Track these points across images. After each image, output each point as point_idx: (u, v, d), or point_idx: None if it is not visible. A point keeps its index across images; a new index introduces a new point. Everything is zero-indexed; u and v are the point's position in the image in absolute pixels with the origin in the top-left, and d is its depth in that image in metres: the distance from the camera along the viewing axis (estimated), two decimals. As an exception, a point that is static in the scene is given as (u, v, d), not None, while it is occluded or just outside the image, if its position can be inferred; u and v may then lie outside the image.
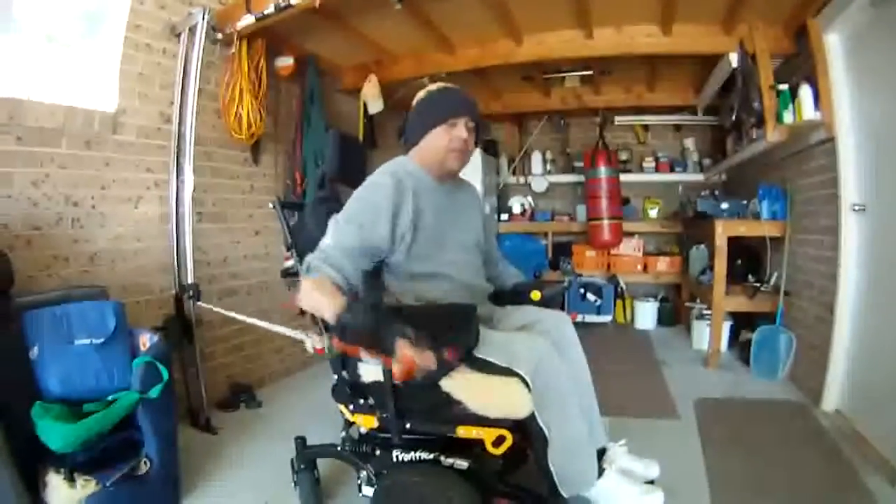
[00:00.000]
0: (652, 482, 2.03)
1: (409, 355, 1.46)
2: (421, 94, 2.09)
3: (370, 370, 1.87)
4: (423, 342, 1.48)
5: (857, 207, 3.01)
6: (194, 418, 3.20)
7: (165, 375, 2.26)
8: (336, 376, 1.97)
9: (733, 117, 4.09)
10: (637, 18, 3.85)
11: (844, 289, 3.09)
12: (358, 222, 1.85)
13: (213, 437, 3.06)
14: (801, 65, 3.52)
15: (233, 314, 2.52)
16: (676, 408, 3.37)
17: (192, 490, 2.48)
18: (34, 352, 2.13)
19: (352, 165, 2.21)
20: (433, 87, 2.10)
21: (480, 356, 1.73)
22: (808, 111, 3.26)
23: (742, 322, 4.47)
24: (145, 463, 2.21)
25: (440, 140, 1.98)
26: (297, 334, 1.97)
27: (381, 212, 1.86)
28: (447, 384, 1.73)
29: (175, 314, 3.19)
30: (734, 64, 3.84)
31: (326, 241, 1.84)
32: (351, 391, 1.93)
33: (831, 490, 2.36)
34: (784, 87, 3.48)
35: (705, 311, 4.59)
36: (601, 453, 2.01)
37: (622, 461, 2.03)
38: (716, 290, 4.11)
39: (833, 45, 3.18)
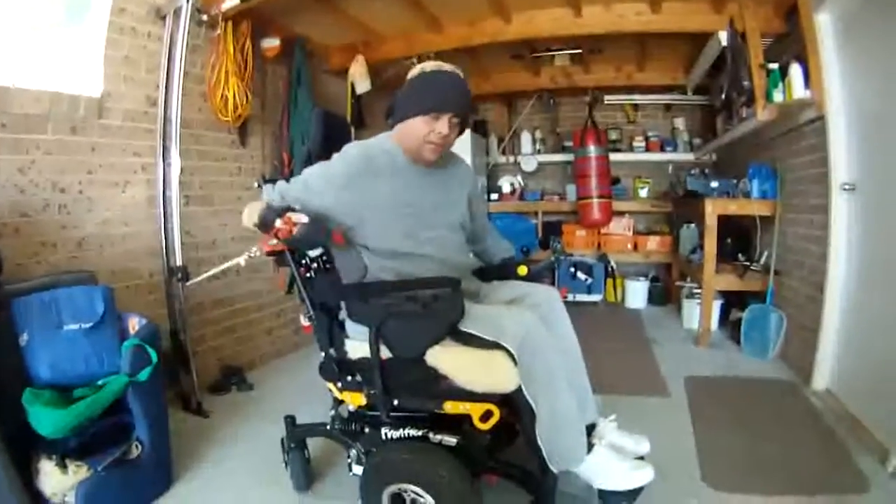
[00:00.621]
0: (642, 458, 2.02)
1: (289, 216, 1.74)
2: (414, 71, 2.04)
3: (357, 347, 1.87)
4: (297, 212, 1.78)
5: (846, 187, 3.02)
6: (185, 402, 3.20)
7: (155, 358, 2.25)
8: (323, 354, 1.96)
9: (723, 96, 4.08)
10: (627, -4, 3.83)
11: (834, 268, 3.11)
12: (306, 181, 1.97)
13: (205, 421, 3.06)
14: (791, 44, 3.50)
15: (210, 272, 2.51)
16: (667, 386, 3.39)
17: (184, 473, 2.49)
18: (24, 338, 2.12)
19: (336, 143, 2.18)
20: (428, 66, 2.02)
21: (466, 330, 1.73)
22: (799, 90, 3.26)
23: (732, 301, 4.49)
24: (136, 446, 2.21)
25: (420, 129, 1.94)
26: (235, 260, 2.14)
27: (331, 181, 1.92)
28: (433, 359, 1.73)
29: (170, 336, 3.21)
30: (724, 42, 3.82)
31: (282, 182, 2.04)
32: (338, 368, 1.93)
33: (822, 468, 2.37)
34: (774, 66, 3.48)
35: (695, 290, 4.62)
36: (591, 429, 2.00)
37: (612, 437, 2.02)
38: (706, 268, 4.12)
39: (824, 24, 3.16)
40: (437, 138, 1.94)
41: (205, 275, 2.56)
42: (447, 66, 2.01)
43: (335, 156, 1.97)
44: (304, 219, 1.75)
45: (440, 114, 1.92)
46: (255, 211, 1.86)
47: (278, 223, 1.75)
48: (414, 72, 2.03)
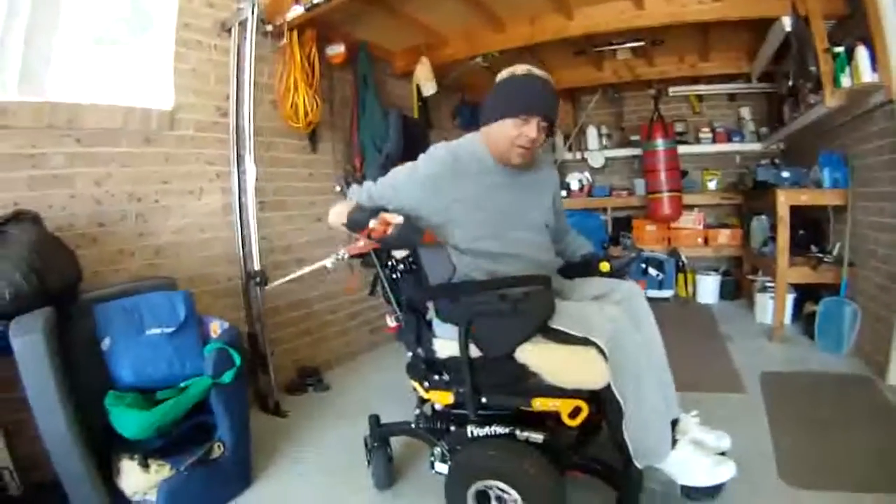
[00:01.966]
0: (723, 454, 2.00)
1: (384, 216, 1.78)
2: (504, 74, 2.04)
3: (445, 346, 1.89)
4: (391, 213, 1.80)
5: (918, 172, 2.91)
6: (263, 402, 3.27)
7: (238, 360, 2.31)
8: (410, 353, 1.99)
9: (789, 83, 3.98)
10: (687, -15, 3.77)
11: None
12: (393, 182, 1.99)
13: (283, 421, 3.12)
14: (855, 26, 3.38)
15: (290, 276, 2.55)
16: (742, 382, 3.33)
17: (263, 472, 2.55)
18: (106, 343, 2.18)
19: (414, 145, 2.21)
20: (518, 70, 2.02)
21: (556, 327, 1.73)
22: (866, 73, 3.15)
23: (806, 294, 4.35)
24: (219, 447, 2.26)
25: (508, 132, 1.94)
26: (319, 263, 2.14)
27: (419, 181, 1.93)
28: (523, 356, 1.74)
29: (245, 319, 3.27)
30: (787, 28, 3.71)
31: (369, 182, 2.09)
32: (426, 367, 1.95)
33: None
34: (840, 49, 3.36)
35: (768, 284, 4.51)
36: (673, 424, 1.99)
37: (695, 432, 2.00)
38: (779, 261, 4.01)
39: (887, 3, 3.03)
40: (525, 142, 1.94)
41: (287, 277, 2.60)
42: (537, 71, 2.01)
43: (421, 157, 1.98)
44: (399, 219, 1.77)
45: (530, 117, 1.92)
46: (344, 211, 1.90)
47: (373, 223, 1.78)
48: (503, 75, 2.03)
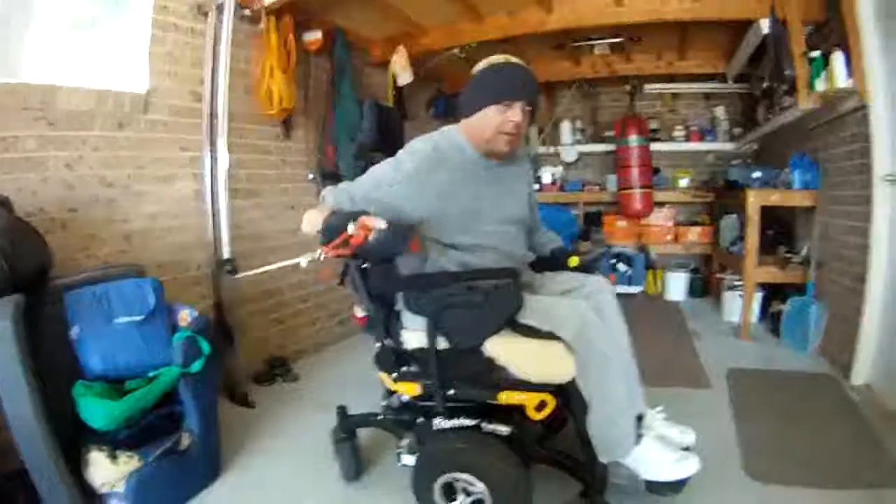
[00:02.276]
0: (688, 449, 2.03)
1: (364, 220, 1.64)
2: (482, 64, 2.03)
3: (413, 337, 1.89)
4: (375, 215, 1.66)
5: (889, 178, 2.97)
6: (232, 393, 3.24)
7: (207, 349, 2.29)
8: (379, 344, 1.98)
9: (764, 85, 4.04)
10: (668, -16, 3.80)
11: (876, 260, 3.06)
12: (376, 178, 1.95)
13: (251, 411, 3.11)
14: (833, 31, 3.44)
15: (263, 269, 2.52)
16: (708, 378, 3.38)
17: (232, 463, 2.53)
18: (75, 331, 2.14)
19: (389, 135, 2.21)
20: (496, 58, 2.02)
21: (523, 321, 1.74)
22: (841, 78, 3.20)
23: (773, 293, 4.43)
24: (187, 437, 2.25)
25: (492, 120, 1.93)
26: (293, 260, 1.99)
27: (403, 177, 1.90)
28: (490, 349, 1.75)
29: (214, 315, 3.24)
30: (765, 30, 3.77)
31: (347, 182, 2.02)
32: (394, 358, 1.95)
33: (859, 462, 2.36)
34: (816, 53, 3.42)
35: (736, 282, 4.57)
36: (639, 420, 2.00)
37: (659, 428, 2.02)
38: (747, 260, 4.08)
39: (865, 10, 3.08)
40: (511, 127, 1.93)
41: (258, 270, 2.57)
42: (514, 59, 2.01)
43: (403, 152, 1.96)
44: (382, 224, 1.65)
45: (513, 102, 1.92)
46: (318, 217, 1.82)
47: (351, 229, 1.66)
48: (481, 65, 2.03)
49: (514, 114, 1.92)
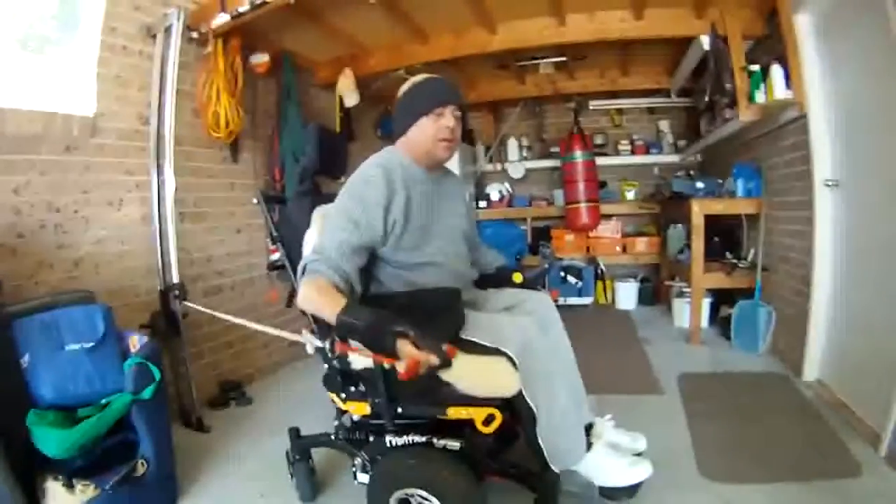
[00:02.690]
0: (640, 454, 2.08)
1: (413, 354, 1.46)
2: (405, 85, 2.08)
3: (360, 358, 1.89)
4: (423, 340, 1.48)
5: (829, 183, 3.09)
6: (186, 418, 3.21)
7: (157, 375, 2.27)
8: (326, 366, 1.99)
9: (706, 98, 4.15)
10: (609, 4, 3.90)
11: (820, 262, 3.18)
12: (353, 220, 1.85)
13: (206, 436, 3.08)
14: (772, 46, 3.58)
15: (226, 317, 2.52)
16: (660, 384, 3.45)
17: (188, 489, 2.50)
18: (25, 359, 2.12)
19: (332, 158, 2.22)
20: (418, 78, 2.08)
21: (467, 337, 1.77)
22: (780, 90, 3.33)
23: (722, 298, 4.55)
24: (142, 464, 2.22)
25: (427, 130, 1.98)
26: (295, 336, 1.95)
27: (375, 208, 1.87)
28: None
29: (161, 311, 3.20)
30: (706, 46, 3.90)
31: (322, 242, 1.84)
32: (342, 379, 1.96)
33: (816, 455, 2.43)
34: (755, 67, 3.56)
35: (685, 290, 4.68)
36: (588, 428, 2.06)
37: (610, 435, 2.08)
38: (694, 268, 4.19)
39: (803, 25, 3.23)
40: (446, 133, 1.98)
41: (226, 316, 2.55)
42: (434, 75, 2.09)
43: (359, 184, 1.92)
44: (435, 359, 1.47)
45: (443, 108, 1.97)
46: (320, 300, 1.68)
47: (399, 364, 1.49)
48: (405, 86, 2.09)
49: (448, 119, 1.98)
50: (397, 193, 1.92)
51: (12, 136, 2.59)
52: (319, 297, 1.68)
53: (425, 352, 1.46)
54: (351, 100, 4.60)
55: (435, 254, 2.02)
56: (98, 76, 2.98)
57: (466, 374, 1.71)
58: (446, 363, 1.49)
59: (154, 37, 3.23)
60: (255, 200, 2.17)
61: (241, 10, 3.18)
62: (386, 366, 1.64)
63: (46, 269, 2.71)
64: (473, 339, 1.76)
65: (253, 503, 2.40)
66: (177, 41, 3.17)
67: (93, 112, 2.95)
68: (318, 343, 1.83)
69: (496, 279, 2.34)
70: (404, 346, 1.48)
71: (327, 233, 1.86)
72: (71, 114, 2.86)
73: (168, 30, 3.19)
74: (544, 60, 5.10)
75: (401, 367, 1.48)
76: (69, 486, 2.03)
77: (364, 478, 2.00)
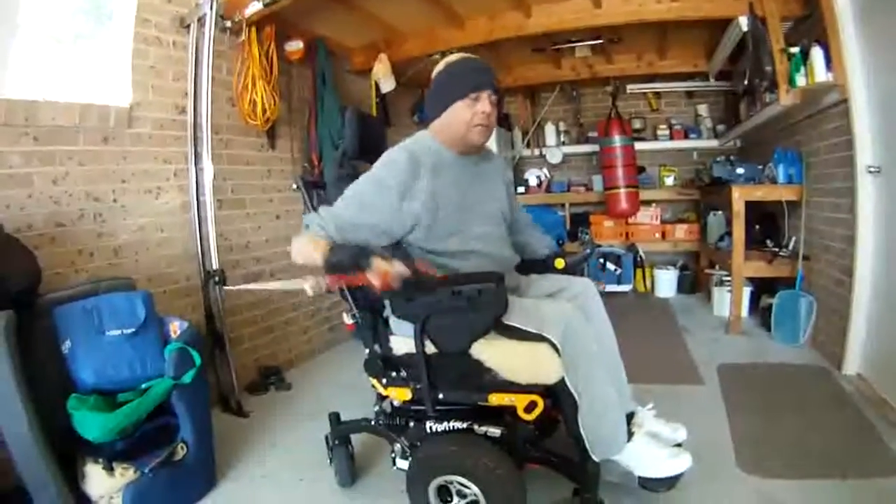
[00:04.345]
0: (679, 445, 2.04)
1: (383, 266, 1.62)
2: (440, 66, 2.05)
3: (402, 343, 1.90)
4: (395, 256, 1.65)
5: (872, 169, 3.00)
6: (225, 403, 3.25)
7: (198, 360, 2.29)
8: (368, 350, 2.00)
9: (746, 82, 4.05)
10: (645, -16, 3.83)
11: (862, 251, 3.10)
12: (360, 200, 1.90)
13: (245, 421, 3.11)
14: (811, 27, 3.48)
15: (252, 286, 2.52)
16: (700, 374, 3.39)
17: (227, 473, 2.53)
18: (66, 345, 2.14)
19: (371, 142, 2.21)
20: (452, 58, 2.05)
21: (510, 323, 1.75)
22: (821, 73, 3.24)
23: (762, 287, 4.46)
24: (182, 448, 2.24)
25: (462, 115, 1.95)
26: (295, 283, 2.03)
27: (387, 191, 1.88)
28: (478, 351, 1.76)
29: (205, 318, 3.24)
30: (744, 28, 3.80)
31: (328, 208, 1.94)
32: (383, 364, 1.96)
33: (854, 452, 2.37)
34: (795, 49, 3.46)
35: (725, 278, 4.61)
36: (629, 417, 2.02)
37: (650, 425, 2.04)
38: (735, 256, 4.11)
39: (843, 5, 3.13)
40: (482, 119, 1.95)
41: (252, 286, 2.57)
42: (468, 54, 2.06)
43: (380, 166, 1.95)
44: (399, 267, 1.64)
45: (479, 92, 1.94)
46: (310, 249, 1.80)
47: (372, 276, 1.64)
48: (439, 66, 2.05)
49: (484, 104, 1.95)
50: (421, 179, 1.91)
51: (49, 127, 2.61)
52: (307, 245, 1.81)
53: (396, 265, 1.63)
54: (387, 85, 4.59)
55: (473, 240, 2.01)
56: (133, 67, 3.00)
57: (508, 359, 1.70)
58: (415, 273, 1.67)
59: (188, 27, 3.25)
60: (294, 186, 2.16)
61: (274, -3, 3.19)
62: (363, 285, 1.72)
63: (86, 257, 2.74)
64: (516, 325, 1.74)
65: (292, 487, 2.41)
66: (211, 31, 3.17)
67: (129, 103, 2.97)
68: (316, 286, 1.95)
69: (538, 265, 2.31)
70: (376, 261, 1.63)
71: (338, 203, 1.94)
72: (107, 105, 2.87)
73: (201, 20, 3.20)
74: (580, 44, 5.04)
75: (373, 278, 1.62)
76: (109, 469, 2.06)
77: (403, 464, 2.00)
